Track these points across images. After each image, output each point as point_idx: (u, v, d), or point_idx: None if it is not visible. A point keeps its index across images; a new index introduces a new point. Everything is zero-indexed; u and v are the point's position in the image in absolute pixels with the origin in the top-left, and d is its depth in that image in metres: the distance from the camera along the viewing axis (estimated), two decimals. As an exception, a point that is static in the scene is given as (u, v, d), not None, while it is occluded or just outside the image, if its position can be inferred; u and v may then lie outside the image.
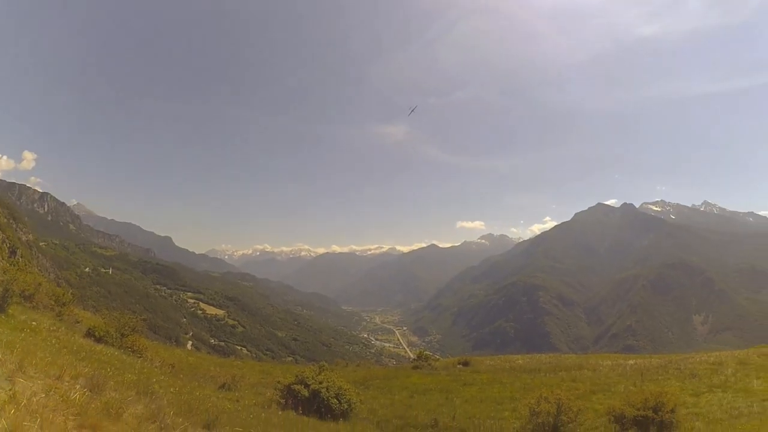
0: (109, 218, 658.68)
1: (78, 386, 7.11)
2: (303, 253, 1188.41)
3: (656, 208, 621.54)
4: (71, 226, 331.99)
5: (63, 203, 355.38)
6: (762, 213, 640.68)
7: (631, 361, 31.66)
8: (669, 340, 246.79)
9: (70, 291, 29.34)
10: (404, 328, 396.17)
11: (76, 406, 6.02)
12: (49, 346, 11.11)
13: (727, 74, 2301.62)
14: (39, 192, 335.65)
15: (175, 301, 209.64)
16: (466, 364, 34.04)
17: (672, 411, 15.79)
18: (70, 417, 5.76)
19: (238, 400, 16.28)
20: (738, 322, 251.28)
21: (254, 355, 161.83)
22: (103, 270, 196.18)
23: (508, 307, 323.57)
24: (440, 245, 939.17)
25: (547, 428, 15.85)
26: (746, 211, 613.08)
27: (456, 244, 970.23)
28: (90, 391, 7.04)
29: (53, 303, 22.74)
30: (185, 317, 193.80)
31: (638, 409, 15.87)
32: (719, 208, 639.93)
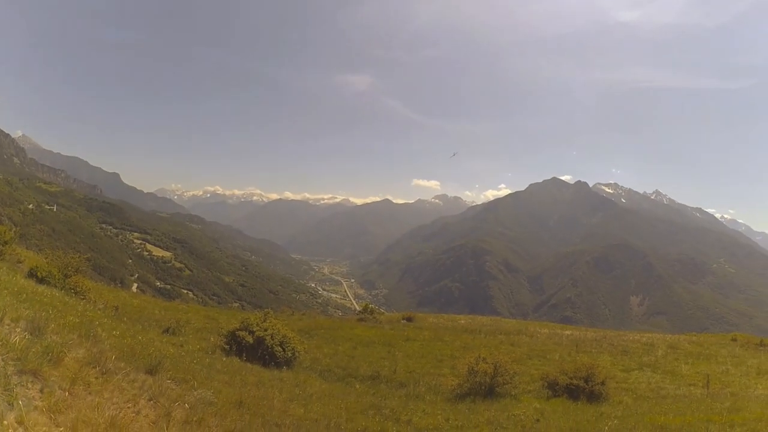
0: (55, 151, 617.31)
1: (19, 329, 6.98)
2: (255, 198, 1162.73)
3: (609, 190, 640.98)
4: (15, 160, 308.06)
5: (8, 135, 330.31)
6: (709, 210, 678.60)
7: (567, 332, 33.29)
8: (605, 316, 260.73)
9: (13, 229, 27.70)
10: (352, 280, 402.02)
11: (16, 350, 5.99)
12: (-14, 286, 10.68)
13: (698, 73, 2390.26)
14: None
15: (121, 241, 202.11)
16: (410, 319, 35.37)
17: (602, 383, 16.79)
18: (10, 362, 5.74)
19: (182, 345, 16.20)
20: (672, 308, 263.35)
21: (200, 300, 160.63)
22: (47, 207, 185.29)
23: (455, 268, 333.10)
24: (394, 201, 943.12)
25: (483, 387, 16.61)
26: (695, 206, 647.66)
27: (410, 202, 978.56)
28: (31, 335, 6.97)
29: (-6, 242, 21.47)
30: (131, 258, 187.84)
31: (571, 378, 16.84)
32: (669, 199, 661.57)
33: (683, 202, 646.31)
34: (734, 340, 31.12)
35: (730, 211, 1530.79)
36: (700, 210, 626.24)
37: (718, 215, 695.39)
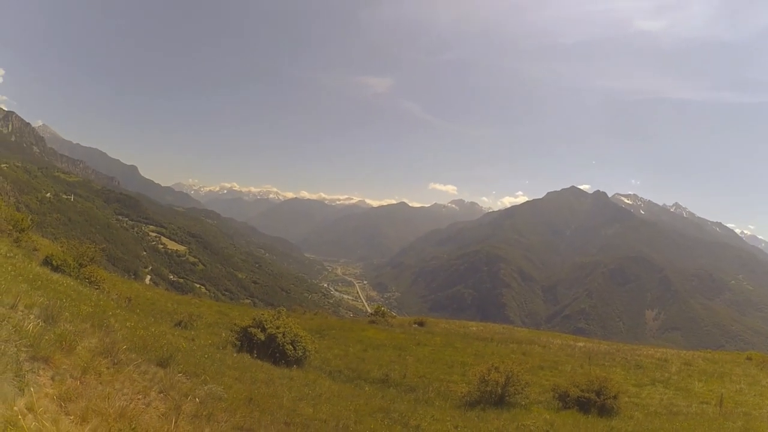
0: (74, 142, 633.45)
1: (32, 316, 7.02)
2: (271, 196, 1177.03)
3: (628, 201, 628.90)
4: (35, 148, 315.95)
5: (28, 123, 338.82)
6: (729, 225, 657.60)
7: (580, 344, 32.78)
8: (619, 329, 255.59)
9: (30, 217, 28.26)
10: (364, 282, 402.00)
11: (29, 336, 5.99)
12: (4, 273, 10.78)
13: (720, 85, 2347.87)
14: (4, 111, 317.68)
15: (137, 233, 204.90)
16: (421, 324, 35.16)
17: (614, 397, 16.56)
18: (23, 348, 5.74)
19: (193, 339, 16.31)
20: (688, 324, 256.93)
21: (212, 295, 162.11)
22: (64, 196, 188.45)
23: (469, 274, 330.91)
24: (410, 204, 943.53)
25: (494, 396, 16.51)
26: (715, 220, 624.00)
27: (426, 205, 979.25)
28: (44, 322, 6.99)
29: (11, 228, 21.81)
30: (146, 251, 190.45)
31: (582, 390, 16.64)
32: (689, 212, 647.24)
33: (703, 216, 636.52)
34: (749, 359, 30.51)
35: (751, 227, 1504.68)
36: (720, 225, 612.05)
37: (738, 231, 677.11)
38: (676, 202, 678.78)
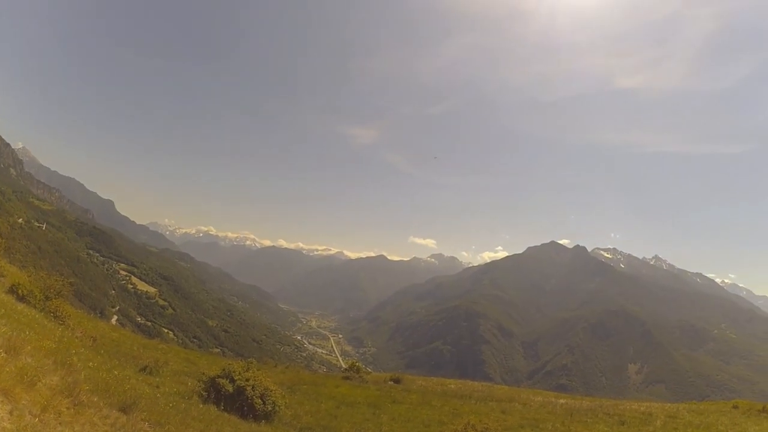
0: (52, 169, 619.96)
1: (-7, 347, 6.60)
2: (248, 242, 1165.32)
3: (607, 255, 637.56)
4: (12, 171, 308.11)
5: (8, 144, 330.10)
6: (709, 275, 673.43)
7: (562, 400, 31.94)
8: (602, 384, 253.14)
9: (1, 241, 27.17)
10: (340, 336, 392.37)
11: (-12, 368, 5.59)
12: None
13: (698, 137, 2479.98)
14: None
15: (107, 270, 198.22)
16: (397, 381, 34.06)
17: None
18: (-19, 379, 5.34)
19: (158, 386, 15.52)
20: (672, 376, 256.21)
21: (180, 341, 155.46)
22: (36, 224, 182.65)
23: (447, 330, 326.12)
24: (389, 257, 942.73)
25: None
26: (695, 271, 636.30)
27: (405, 259, 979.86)
28: (6, 353, 6.55)
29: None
30: (114, 289, 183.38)
31: None
32: (669, 264, 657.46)
33: (683, 267, 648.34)
34: (736, 407, 30.35)
35: (731, 276, 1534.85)
36: (700, 275, 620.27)
37: (718, 280, 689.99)
38: (656, 255, 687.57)
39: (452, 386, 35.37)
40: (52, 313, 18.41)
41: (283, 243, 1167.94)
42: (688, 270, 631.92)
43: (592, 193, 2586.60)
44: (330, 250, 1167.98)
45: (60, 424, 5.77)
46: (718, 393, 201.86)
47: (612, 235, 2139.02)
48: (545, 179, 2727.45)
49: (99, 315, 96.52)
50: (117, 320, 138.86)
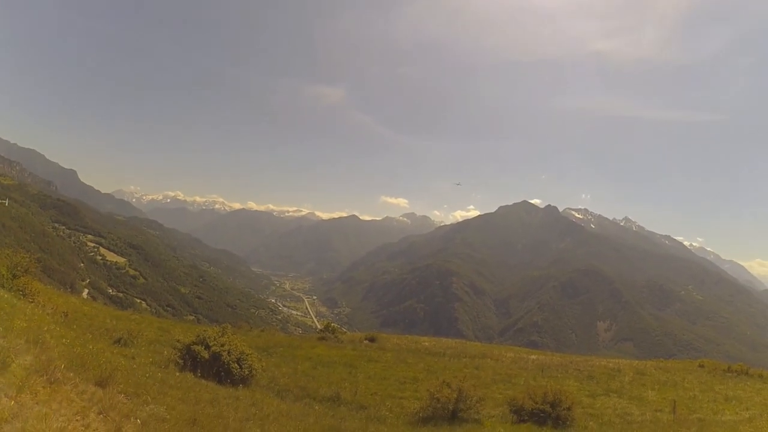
0: (11, 141, 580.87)
1: (-38, 333, 6.63)
2: (217, 206, 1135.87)
3: (578, 215, 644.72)
4: None
5: None
6: (678, 237, 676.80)
7: (533, 356, 33.16)
8: (572, 341, 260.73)
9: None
10: (314, 298, 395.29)
11: (-41, 354, 5.68)
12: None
13: (668, 105, 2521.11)
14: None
15: (74, 243, 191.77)
16: (372, 340, 34.95)
17: (569, 408, 16.76)
18: (-47, 366, 5.44)
19: (134, 357, 15.59)
20: (640, 334, 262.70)
21: (154, 310, 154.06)
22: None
23: (421, 289, 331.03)
24: (361, 217, 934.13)
25: (445, 413, 16.48)
26: (664, 233, 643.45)
27: (377, 219, 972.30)
28: (-25, 339, 6.61)
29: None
30: (83, 262, 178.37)
31: (537, 403, 16.75)
32: (638, 226, 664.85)
33: (653, 230, 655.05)
34: (702, 366, 31.23)
35: (699, 239, 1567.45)
36: (668, 237, 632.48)
37: (686, 243, 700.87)
38: (626, 216, 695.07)
39: (426, 344, 36.24)
40: (21, 291, 17.89)
41: (253, 205, 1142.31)
42: (657, 232, 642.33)
43: (564, 154, 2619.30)
44: (301, 211, 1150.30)
45: (37, 403, 5.95)
46: (685, 352, 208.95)
47: (583, 195, 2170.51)
48: (517, 140, 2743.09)
49: (69, 289, 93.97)
50: (88, 293, 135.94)
